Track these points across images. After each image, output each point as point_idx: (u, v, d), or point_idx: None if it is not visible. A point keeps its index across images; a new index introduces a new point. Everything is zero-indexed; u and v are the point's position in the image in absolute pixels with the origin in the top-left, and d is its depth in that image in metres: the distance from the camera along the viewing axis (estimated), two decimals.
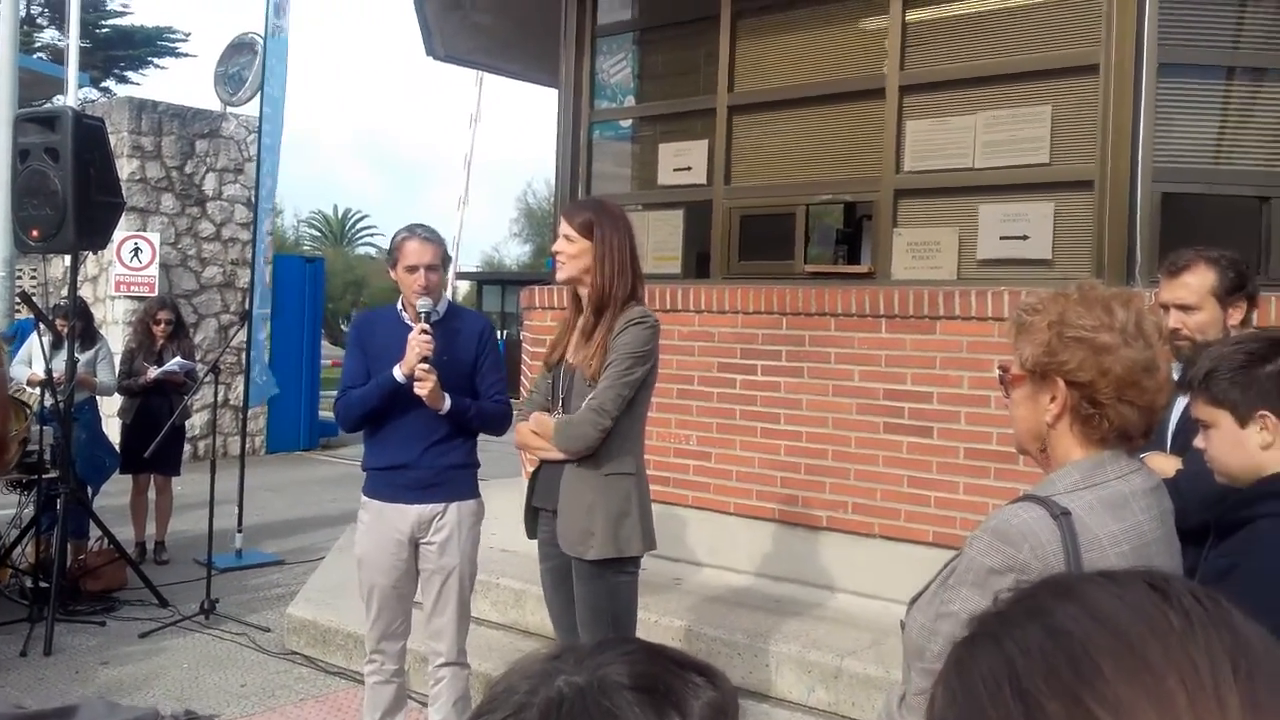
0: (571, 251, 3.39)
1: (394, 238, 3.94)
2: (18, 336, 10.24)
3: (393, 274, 3.90)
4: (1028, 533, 1.64)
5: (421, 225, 3.92)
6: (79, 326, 6.65)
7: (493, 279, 30.18)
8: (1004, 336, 1.88)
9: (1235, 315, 2.89)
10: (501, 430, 3.99)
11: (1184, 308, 2.91)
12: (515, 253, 44.36)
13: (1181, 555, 1.85)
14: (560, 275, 3.46)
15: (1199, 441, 2.21)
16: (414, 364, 3.65)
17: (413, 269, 3.77)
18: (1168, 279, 2.98)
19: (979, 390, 4.67)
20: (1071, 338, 1.72)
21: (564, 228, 3.42)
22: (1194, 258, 2.95)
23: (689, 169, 6.09)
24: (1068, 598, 0.69)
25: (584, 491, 3.35)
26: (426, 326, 3.65)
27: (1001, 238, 4.98)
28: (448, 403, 3.74)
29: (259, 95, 8.13)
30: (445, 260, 3.92)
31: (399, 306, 3.94)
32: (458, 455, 3.87)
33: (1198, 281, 2.92)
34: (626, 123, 6.70)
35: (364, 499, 3.95)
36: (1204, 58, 4.75)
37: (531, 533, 3.65)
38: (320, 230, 47.93)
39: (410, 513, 3.82)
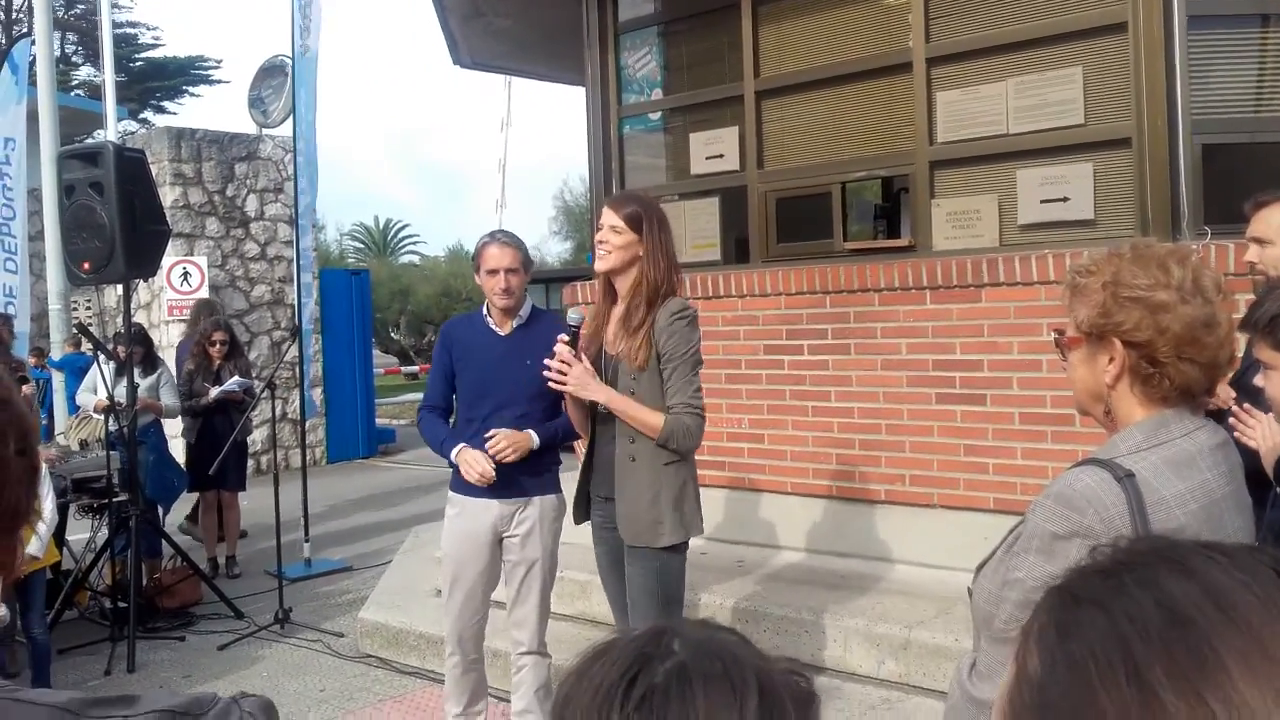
0: (618, 242, 3.44)
1: (477, 243, 4.06)
2: (66, 369, 10.52)
3: (477, 279, 4.01)
4: (1091, 497, 1.63)
5: (502, 230, 4.06)
6: (139, 352, 6.83)
7: (536, 278, 30.26)
8: (1051, 300, 1.88)
9: None
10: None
11: (1260, 241, 2.97)
12: (556, 250, 44.44)
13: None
14: (602, 265, 3.49)
15: (1259, 380, 2.21)
16: (475, 479, 3.80)
17: (493, 272, 3.88)
18: (1251, 213, 3.05)
19: (1029, 355, 4.67)
20: (1127, 298, 1.68)
21: (610, 218, 3.46)
22: (1276, 195, 3.00)
23: (721, 156, 6.12)
24: (1185, 574, 0.65)
25: (647, 482, 3.42)
26: (566, 339, 3.49)
27: (1042, 201, 4.97)
28: (536, 441, 3.87)
29: (292, 115, 8.25)
30: (527, 264, 3.98)
31: (484, 311, 4.02)
32: (541, 456, 3.96)
33: (1272, 217, 2.96)
34: (656, 115, 6.73)
35: (450, 494, 4.08)
36: (1234, 6, 4.71)
37: (579, 518, 3.72)
38: (363, 242, 48.34)
39: (494, 507, 3.95)
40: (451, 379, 4.06)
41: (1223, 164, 4.64)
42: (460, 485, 4.02)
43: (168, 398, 7.31)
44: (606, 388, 3.41)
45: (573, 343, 3.43)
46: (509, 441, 3.78)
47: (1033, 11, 5.02)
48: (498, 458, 3.76)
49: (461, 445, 3.88)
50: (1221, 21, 4.67)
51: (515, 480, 3.92)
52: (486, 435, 3.80)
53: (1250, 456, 2.41)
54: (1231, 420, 2.60)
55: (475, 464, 3.79)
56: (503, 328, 3.97)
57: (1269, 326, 2.09)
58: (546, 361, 3.44)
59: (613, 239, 3.44)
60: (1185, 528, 1.64)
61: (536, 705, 4.05)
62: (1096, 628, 0.64)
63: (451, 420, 4.16)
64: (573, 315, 3.52)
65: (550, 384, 3.44)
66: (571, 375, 3.39)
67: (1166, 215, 4.62)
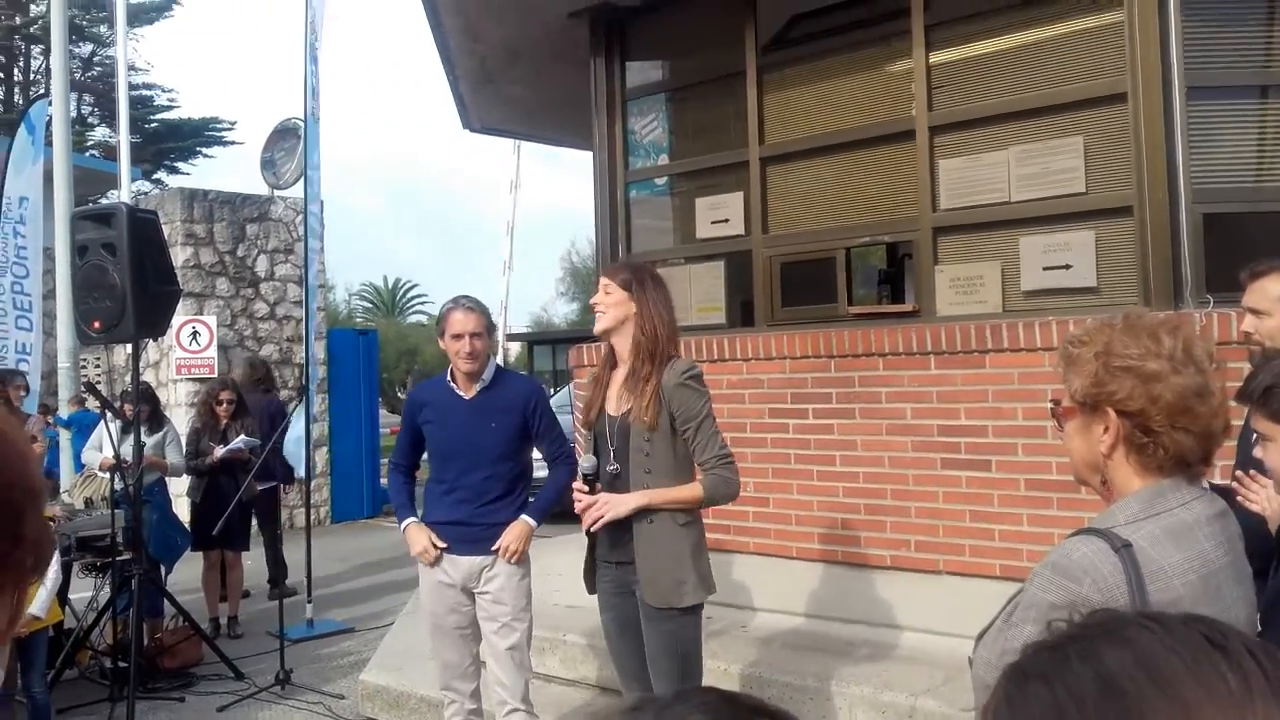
0: (610, 302, 3.51)
1: (441, 309, 4.20)
2: (74, 427, 10.55)
3: (442, 343, 4.11)
4: (1089, 567, 1.63)
5: (465, 296, 4.21)
6: (146, 411, 6.87)
7: (543, 339, 30.41)
8: (1055, 366, 1.90)
9: None
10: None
11: (1256, 312, 2.98)
12: (563, 311, 44.73)
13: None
14: (598, 326, 3.57)
15: (1257, 451, 2.22)
16: (414, 555, 4.17)
17: (458, 336, 4.03)
18: (1247, 283, 3.07)
19: (1034, 421, 4.67)
20: (1119, 367, 1.71)
21: (604, 282, 3.56)
22: (1274, 265, 3.01)
23: (727, 221, 6.18)
24: (1121, 643, 0.68)
25: (668, 542, 3.45)
26: (579, 488, 3.59)
27: (1045, 268, 5.00)
28: (534, 523, 4.09)
29: (304, 177, 8.37)
30: (490, 328, 4.15)
31: (448, 376, 4.13)
32: (506, 514, 4.12)
33: (1271, 287, 2.98)
34: (662, 180, 6.81)
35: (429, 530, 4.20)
36: (1233, 79, 4.77)
37: (591, 587, 3.73)
38: (372, 302, 48.68)
39: (462, 563, 4.09)
40: (419, 440, 4.25)
41: (1223, 233, 4.68)
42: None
43: (173, 456, 7.33)
44: (638, 494, 3.45)
45: (590, 488, 3.50)
46: (516, 546, 4.03)
47: (1034, 81, 5.09)
48: (513, 560, 4.01)
49: (410, 521, 4.17)
50: (1220, 93, 4.74)
51: (483, 537, 4.05)
52: (495, 548, 4.02)
53: (1255, 526, 2.41)
54: (1235, 485, 2.60)
55: (414, 544, 4.13)
56: (467, 391, 4.10)
57: (1264, 398, 2.10)
58: (579, 509, 3.52)
59: (605, 299, 3.52)
60: (1183, 598, 1.64)
61: None
62: (1040, 701, 0.67)
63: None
64: (584, 464, 3.57)
65: (592, 528, 3.51)
66: (607, 506, 3.44)
67: (1168, 283, 4.64)
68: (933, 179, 5.35)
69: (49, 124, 11.36)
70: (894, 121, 5.54)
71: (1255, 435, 2.28)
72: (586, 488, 3.50)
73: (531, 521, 4.11)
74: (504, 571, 4.06)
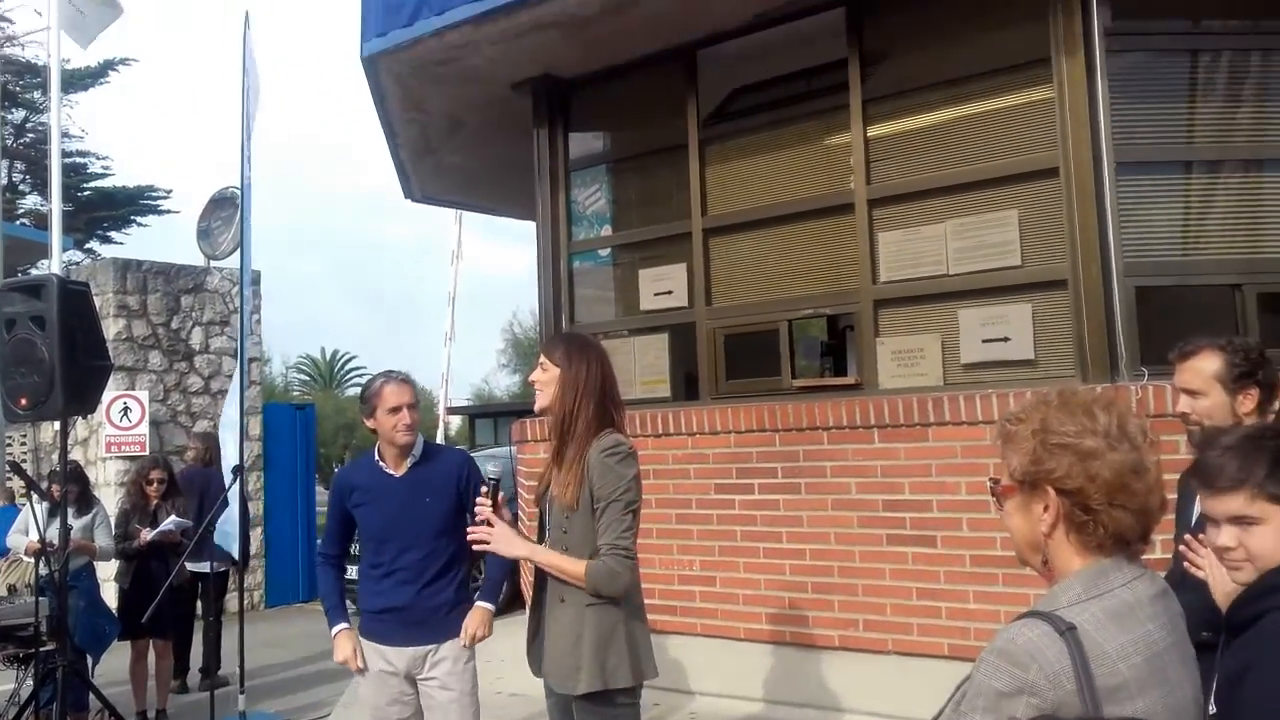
0: (544, 379, 3.42)
1: (369, 386, 4.05)
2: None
3: (370, 423, 3.99)
4: (1035, 652, 1.61)
5: (394, 370, 4.09)
6: (74, 491, 6.62)
7: (485, 412, 30.21)
8: (993, 442, 1.88)
9: (1246, 403, 2.90)
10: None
11: (1191, 392, 2.97)
12: (505, 383, 44.53)
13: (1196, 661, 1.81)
14: (538, 404, 3.47)
15: (1225, 539, 2.12)
16: (340, 662, 4.07)
17: (396, 410, 3.90)
18: (1178, 363, 3.05)
19: (978, 495, 4.65)
20: (1056, 444, 1.71)
21: (541, 359, 3.48)
22: (1202, 344, 3.01)
23: (670, 292, 6.18)
24: None
25: (570, 623, 3.29)
26: (484, 499, 3.41)
27: (984, 340, 5.04)
28: (491, 607, 4.01)
29: (240, 248, 8.24)
30: (417, 400, 4.03)
31: (375, 455, 4.00)
32: (448, 594, 3.95)
33: (1203, 366, 2.97)
34: (605, 250, 6.82)
35: (361, 639, 4.02)
36: (1160, 154, 4.89)
37: (536, 669, 3.59)
38: (309, 374, 48.12)
39: (405, 653, 3.92)
40: (349, 527, 4.09)
41: (1156, 305, 4.75)
42: (369, 630, 4.01)
43: (102, 539, 7.06)
44: (528, 543, 3.34)
45: (491, 496, 3.34)
46: (484, 632, 3.94)
47: (969, 155, 5.18)
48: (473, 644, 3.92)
49: (341, 627, 4.03)
50: (1148, 168, 4.85)
51: (425, 623, 3.91)
52: (458, 639, 3.91)
53: (1200, 597, 2.38)
54: (1182, 549, 2.60)
55: (340, 651, 4.02)
56: (397, 469, 3.97)
57: (1269, 478, 2.04)
58: (472, 526, 3.37)
59: (540, 376, 3.43)
60: (1129, 682, 1.62)
61: None
62: None
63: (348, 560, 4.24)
64: (491, 470, 3.45)
65: (474, 545, 3.35)
66: (495, 535, 3.31)
67: (1104, 356, 4.69)
68: (872, 251, 5.39)
69: None
70: (834, 194, 5.59)
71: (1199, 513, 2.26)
72: (488, 500, 3.33)
73: (489, 605, 3.99)
74: (450, 655, 3.91)
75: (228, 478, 7.42)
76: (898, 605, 4.90)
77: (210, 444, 9.14)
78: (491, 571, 4.09)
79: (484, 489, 3.37)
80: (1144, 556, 1.78)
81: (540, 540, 3.47)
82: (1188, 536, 2.63)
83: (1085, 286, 4.74)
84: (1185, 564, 2.55)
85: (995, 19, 5.13)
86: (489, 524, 3.32)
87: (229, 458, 7.17)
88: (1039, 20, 4.92)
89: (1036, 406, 1.79)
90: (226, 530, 7.68)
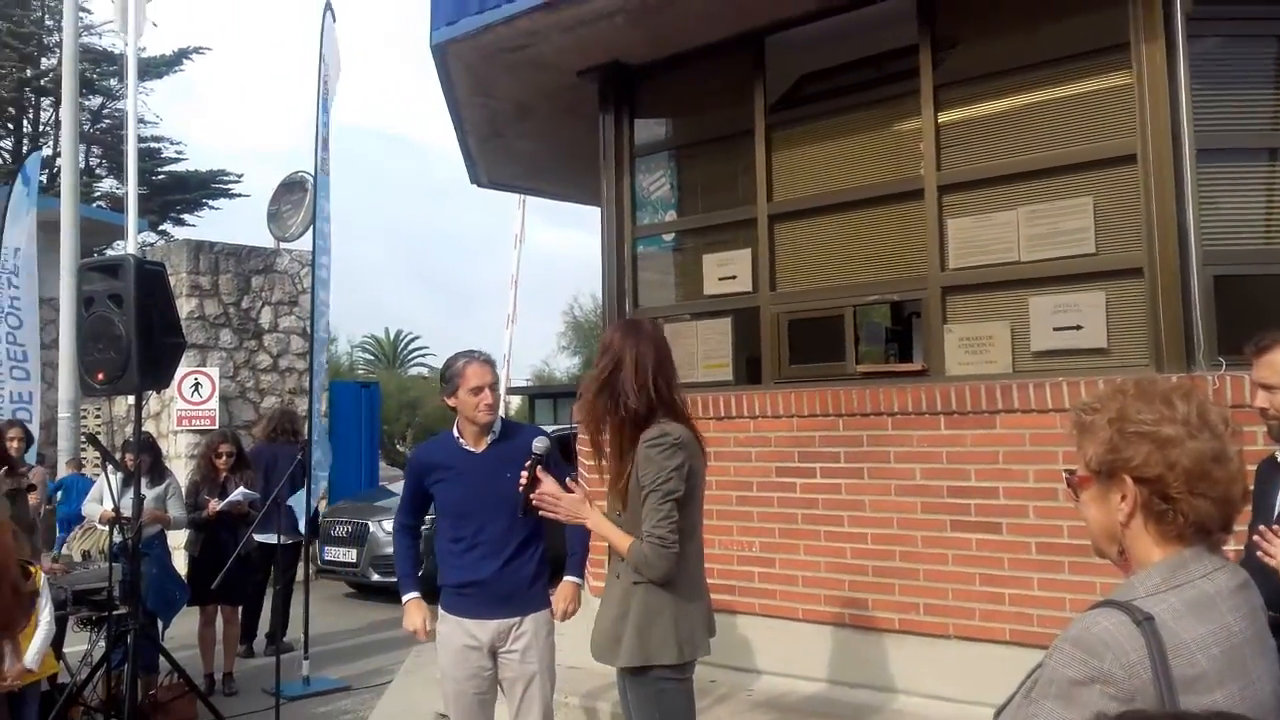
0: (601, 365, 3.43)
1: (451, 365, 4.10)
2: (67, 490, 10.50)
3: (451, 401, 4.03)
4: (1110, 641, 1.58)
5: (476, 350, 4.15)
6: (147, 462, 6.81)
7: (544, 393, 30.39)
8: (1068, 432, 1.86)
9: None
10: None
11: (1268, 387, 2.94)
12: (564, 365, 44.76)
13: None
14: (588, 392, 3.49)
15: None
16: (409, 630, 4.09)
17: (478, 390, 3.97)
18: (1254, 358, 3.02)
19: (1046, 483, 4.60)
20: (1134, 433, 1.68)
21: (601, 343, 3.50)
22: (1276, 338, 2.97)
23: (734, 278, 6.17)
24: None
25: (617, 599, 3.35)
26: (532, 462, 3.48)
27: (1055, 329, 4.97)
28: (579, 581, 4.14)
29: (312, 230, 8.39)
30: (498, 380, 4.08)
31: (455, 432, 4.06)
32: (530, 568, 4.02)
33: (1276, 360, 2.94)
34: (669, 236, 6.82)
35: (442, 613, 4.09)
36: (1242, 140, 4.77)
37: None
38: (373, 354, 48.72)
39: (489, 626, 3.98)
40: (424, 499, 4.16)
41: (1235, 295, 4.65)
42: (452, 605, 4.06)
43: (175, 509, 7.27)
44: (594, 511, 3.36)
45: (531, 471, 3.40)
46: (575, 608, 3.98)
47: (1043, 142, 5.10)
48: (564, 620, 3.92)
49: (412, 596, 4.09)
50: (1230, 155, 4.74)
51: (508, 598, 3.97)
52: (554, 615, 3.95)
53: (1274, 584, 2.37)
54: (1256, 539, 2.58)
55: (410, 620, 4.06)
56: (478, 446, 4.03)
57: None
58: (538, 492, 3.38)
59: (599, 364, 3.41)
60: (1207, 674, 1.59)
61: None
62: None
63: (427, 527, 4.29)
64: (538, 444, 3.51)
65: (541, 512, 3.39)
66: (564, 500, 3.34)
67: (1180, 346, 4.61)
68: (941, 238, 5.34)
69: (52, 175, 11.45)
70: (902, 180, 5.54)
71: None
72: (529, 470, 3.39)
73: (578, 580, 4.09)
74: (531, 629, 3.98)
75: (315, 452, 7.59)
76: (959, 590, 4.87)
77: (278, 420, 9.36)
78: (575, 546, 4.13)
79: (528, 461, 3.42)
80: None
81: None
82: (1263, 526, 2.61)
83: (1162, 275, 4.65)
84: (1259, 554, 2.53)
85: (1072, 2, 5.04)
86: (541, 490, 3.36)
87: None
88: (1118, 4, 4.82)
89: (1113, 396, 1.77)
90: (292, 504, 7.84)
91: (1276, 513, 2.80)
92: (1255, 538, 2.59)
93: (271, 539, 8.06)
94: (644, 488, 3.24)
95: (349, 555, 11.11)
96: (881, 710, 4.84)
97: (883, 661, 5.07)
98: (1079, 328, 4.91)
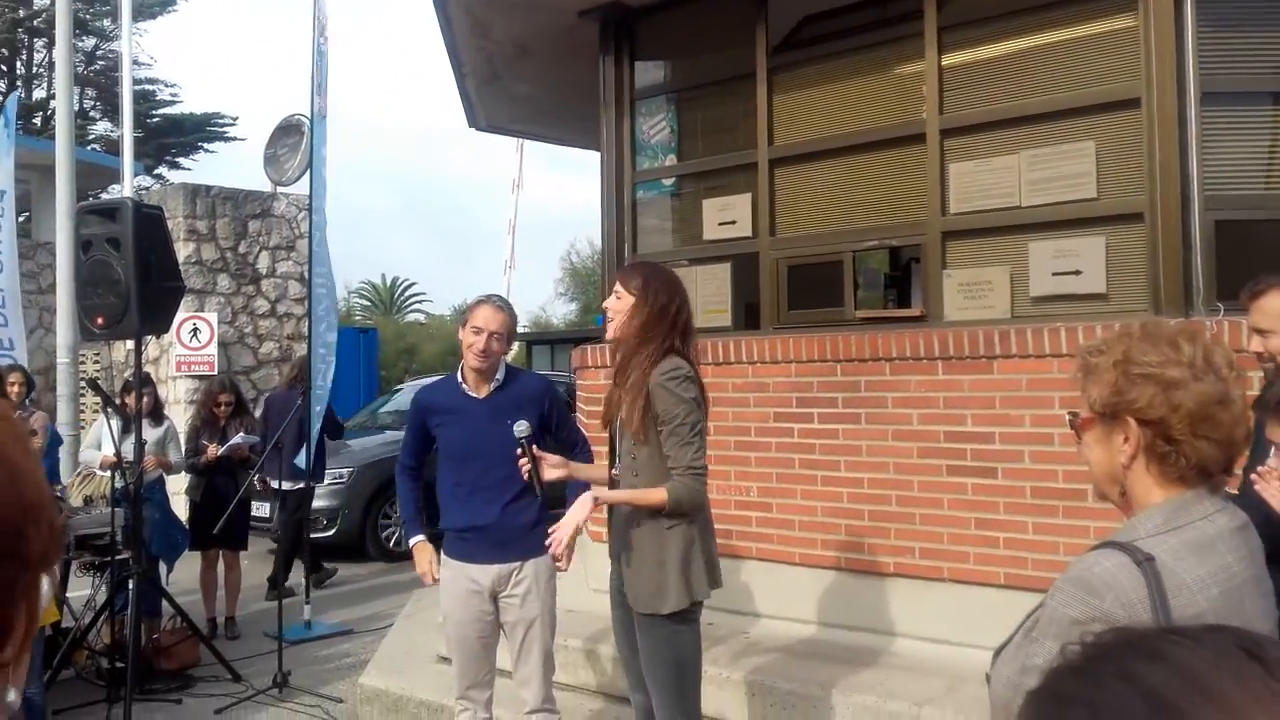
0: (618, 307, 3.45)
1: (472, 301, 4.14)
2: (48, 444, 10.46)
3: (460, 333, 4.03)
4: (1111, 581, 1.60)
5: (499, 296, 4.16)
6: (149, 402, 6.82)
7: (542, 339, 30.39)
8: (1064, 372, 1.87)
9: None
10: None
11: (1261, 331, 2.97)
12: (561, 311, 44.69)
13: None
14: (608, 333, 3.51)
15: (1272, 461, 2.23)
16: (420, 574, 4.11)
17: (478, 331, 3.95)
18: (1248, 302, 3.05)
19: (1042, 428, 4.62)
20: (1139, 375, 1.68)
21: (616, 286, 3.48)
22: (1272, 283, 2.99)
23: (734, 222, 6.14)
24: (1157, 659, 0.67)
25: (651, 546, 3.40)
26: (522, 448, 3.55)
27: (1054, 274, 4.96)
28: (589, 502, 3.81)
29: (309, 173, 8.32)
30: (512, 334, 4.06)
31: (459, 376, 4.06)
32: (531, 513, 4.01)
33: (1272, 305, 2.96)
34: (669, 180, 6.77)
35: (444, 557, 4.13)
36: (1248, 84, 4.73)
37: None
38: (370, 300, 48.56)
39: (490, 570, 4.02)
40: (426, 440, 4.18)
41: (1235, 240, 4.64)
42: (454, 549, 4.11)
43: (173, 453, 7.30)
44: (604, 493, 3.43)
45: (528, 453, 3.47)
46: (569, 538, 3.54)
47: (1046, 85, 5.05)
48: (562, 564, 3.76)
49: (417, 539, 4.15)
50: (1235, 99, 4.70)
51: (509, 543, 3.99)
52: (547, 544, 3.55)
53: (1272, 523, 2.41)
54: (1253, 477, 2.62)
55: (418, 562, 4.13)
56: (479, 391, 4.02)
57: (1277, 406, 2.12)
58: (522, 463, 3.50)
59: (615, 305, 3.46)
60: (1205, 613, 1.61)
61: None
62: None
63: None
64: (519, 428, 3.52)
65: (557, 552, 3.47)
66: (568, 524, 3.37)
67: (1179, 291, 4.60)
68: (943, 182, 5.31)
69: (51, 117, 11.29)
70: (904, 124, 5.50)
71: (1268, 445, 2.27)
72: (520, 454, 3.47)
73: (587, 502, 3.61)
74: (532, 573, 4.01)
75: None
76: (955, 534, 4.91)
77: (301, 368, 9.41)
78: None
79: (518, 450, 3.47)
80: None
81: (613, 461, 3.55)
82: (1261, 468, 2.65)
83: (1163, 220, 4.64)
84: (1255, 486, 2.58)
85: None
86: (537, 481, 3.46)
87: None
88: None
89: (1119, 338, 1.77)
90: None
91: (1270, 455, 2.83)
92: (1253, 477, 2.63)
93: (284, 485, 8.31)
94: (667, 423, 3.31)
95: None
96: (877, 652, 4.90)
97: (878, 605, 5.13)
98: (1078, 273, 4.90)
